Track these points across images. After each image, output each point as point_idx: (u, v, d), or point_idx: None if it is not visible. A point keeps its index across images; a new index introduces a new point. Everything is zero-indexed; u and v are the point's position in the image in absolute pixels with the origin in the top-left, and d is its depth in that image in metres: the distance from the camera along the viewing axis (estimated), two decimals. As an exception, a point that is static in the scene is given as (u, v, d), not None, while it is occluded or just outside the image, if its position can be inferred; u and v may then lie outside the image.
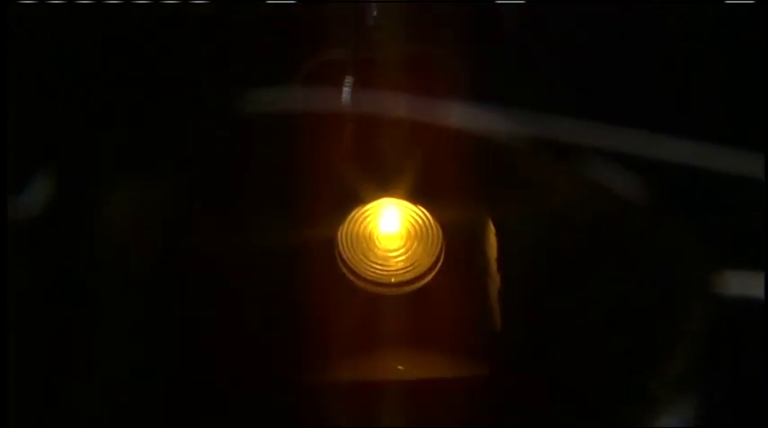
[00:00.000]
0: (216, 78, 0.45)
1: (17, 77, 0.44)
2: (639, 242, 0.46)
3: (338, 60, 0.45)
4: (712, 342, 0.44)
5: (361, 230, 0.50)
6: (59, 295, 0.45)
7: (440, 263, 0.49)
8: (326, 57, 0.45)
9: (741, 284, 0.43)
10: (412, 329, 0.48)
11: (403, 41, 0.46)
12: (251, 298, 0.47)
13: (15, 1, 0.45)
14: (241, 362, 0.46)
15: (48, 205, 0.44)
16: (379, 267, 0.50)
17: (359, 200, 0.49)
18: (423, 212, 0.50)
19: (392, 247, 0.50)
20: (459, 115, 0.45)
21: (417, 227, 0.50)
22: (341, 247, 0.49)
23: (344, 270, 0.49)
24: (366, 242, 0.50)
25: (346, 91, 0.46)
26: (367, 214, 0.50)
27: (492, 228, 0.48)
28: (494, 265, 0.48)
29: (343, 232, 0.49)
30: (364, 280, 0.49)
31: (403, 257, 0.50)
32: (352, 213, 0.49)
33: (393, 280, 0.49)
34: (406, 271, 0.50)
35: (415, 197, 0.49)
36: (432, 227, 0.50)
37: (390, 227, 0.50)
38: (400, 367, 0.48)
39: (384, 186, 0.48)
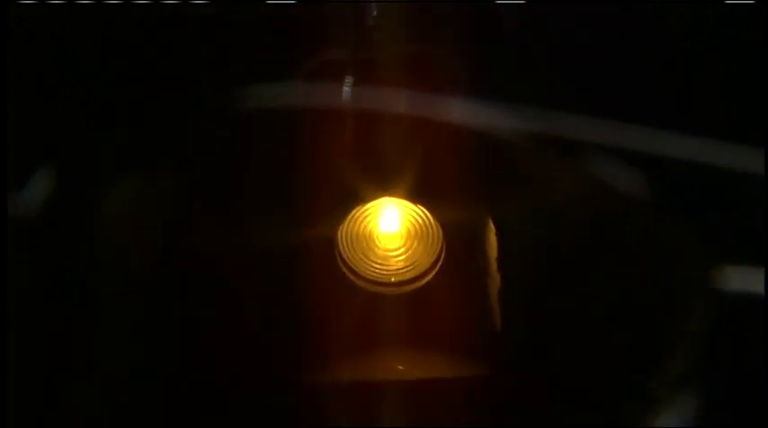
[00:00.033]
0: (216, 78, 0.45)
1: (17, 77, 0.44)
2: (641, 238, 0.45)
3: (338, 60, 0.45)
4: (713, 338, 0.44)
5: (362, 230, 0.50)
6: (59, 295, 0.45)
7: (440, 263, 0.49)
8: (326, 57, 0.45)
9: (741, 280, 0.43)
10: (412, 329, 0.48)
11: (403, 41, 0.46)
12: (251, 298, 0.47)
13: (15, 1, 0.45)
14: (241, 362, 0.46)
15: (47, 204, 0.44)
16: (379, 266, 0.50)
17: (359, 199, 0.49)
18: (423, 212, 0.50)
19: (392, 247, 0.50)
20: (459, 111, 0.45)
21: (417, 226, 0.50)
22: (341, 247, 0.49)
23: (344, 269, 0.49)
24: (366, 241, 0.50)
25: (347, 90, 0.46)
26: (367, 213, 0.50)
27: (492, 228, 0.48)
28: (494, 265, 0.48)
29: (344, 231, 0.49)
30: (364, 279, 0.49)
31: (403, 257, 0.50)
32: (353, 212, 0.49)
33: (393, 279, 0.50)
34: (407, 271, 0.50)
35: (416, 196, 0.49)
36: (432, 227, 0.50)
37: (390, 227, 0.50)
38: (400, 367, 0.48)
39: (384, 185, 0.48)
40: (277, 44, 0.45)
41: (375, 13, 0.45)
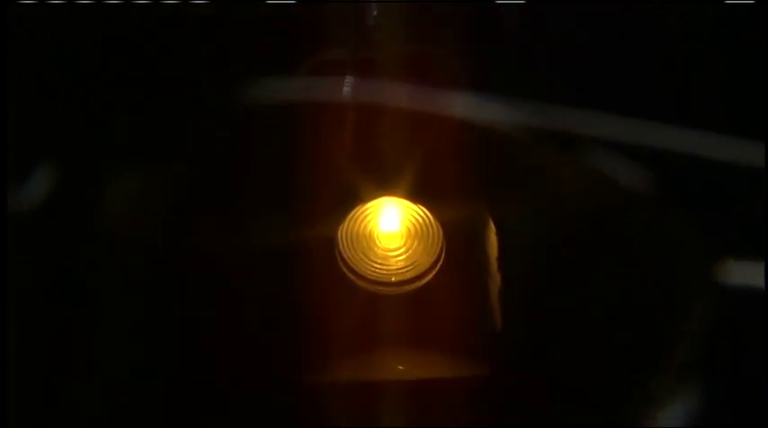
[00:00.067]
0: (216, 78, 0.45)
1: (17, 77, 0.44)
2: (641, 232, 0.45)
3: (338, 60, 0.45)
4: (713, 333, 0.44)
5: (362, 229, 0.50)
6: (59, 295, 0.45)
7: (440, 262, 0.49)
8: (326, 57, 0.45)
9: (742, 274, 0.43)
10: (412, 329, 0.48)
11: (403, 41, 0.46)
12: (251, 298, 0.47)
13: (15, 1, 0.45)
14: (241, 362, 0.46)
15: (46, 203, 0.44)
16: (379, 266, 0.50)
17: (359, 198, 0.49)
18: (423, 211, 0.50)
19: (392, 246, 0.50)
20: (458, 106, 0.45)
21: (417, 225, 0.50)
22: (341, 246, 0.49)
23: (345, 269, 0.49)
24: (366, 241, 0.50)
25: (347, 90, 0.45)
26: (367, 213, 0.50)
27: (492, 227, 0.48)
28: (494, 264, 0.48)
29: (344, 231, 0.49)
30: (364, 279, 0.49)
31: (403, 256, 0.50)
32: (352, 212, 0.49)
33: (393, 279, 0.50)
34: (407, 271, 0.50)
35: (416, 196, 0.49)
36: (432, 226, 0.50)
37: (390, 226, 0.50)
38: (400, 367, 0.48)
39: (384, 185, 0.48)
40: (277, 44, 0.45)
41: (375, 13, 0.45)
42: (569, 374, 0.46)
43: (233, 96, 0.45)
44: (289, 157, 0.46)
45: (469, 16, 0.45)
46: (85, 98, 0.45)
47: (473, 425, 0.47)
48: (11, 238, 0.42)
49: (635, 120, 0.44)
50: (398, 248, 0.50)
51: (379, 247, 0.50)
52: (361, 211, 0.50)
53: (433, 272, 0.49)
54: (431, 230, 0.50)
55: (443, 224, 0.49)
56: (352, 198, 0.48)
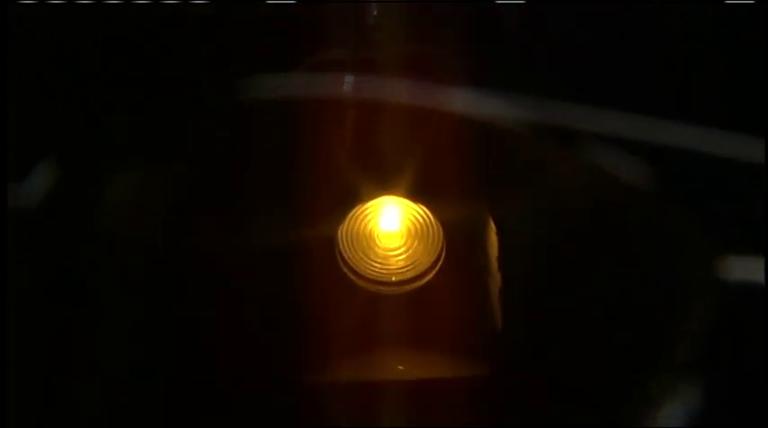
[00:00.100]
0: (216, 78, 0.45)
1: (17, 77, 0.44)
2: (642, 228, 0.45)
3: (338, 60, 0.45)
4: (713, 329, 0.44)
5: (362, 229, 0.50)
6: (59, 295, 0.45)
7: (440, 262, 0.49)
8: (326, 57, 0.45)
9: (742, 269, 0.43)
10: (412, 328, 0.48)
11: (403, 41, 0.45)
12: (251, 298, 0.47)
13: (15, 1, 0.45)
14: (241, 362, 0.46)
15: (46, 202, 0.44)
16: (379, 266, 0.50)
17: (359, 198, 0.49)
18: (423, 210, 0.50)
19: (392, 246, 0.50)
20: (458, 102, 0.45)
21: (418, 225, 0.50)
22: (341, 246, 0.49)
23: (345, 269, 0.49)
24: (366, 240, 0.50)
25: (346, 86, 0.45)
26: (367, 212, 0.50)
27: (493, 226, 0.48)
28: (494, 263, 0.48)
29: (344, 231, 0.49)
30: (365, 278, 0.49)
31: (403, 256, 0.50)
32: (353, 211, 0.49)
33: (393, 278, 0.50)
34: (407, 270, 0.50)
35: (416, 195, 0.49)
36: (432, 226, 0.50)
37: (391, 226, 0.50)
38: (400, 367, 0.48)
39: (384, 184, 0.48)
40: (277, 44, 0.45)
41: (375, 12, 0.45)
42: (569, 374, 0.46)
43: (232, 94, 0.45)
44: (288, 156, 0.46)
45: (469, 16, 0.45)
46: (85, 98, 0.45)
47: (473, 425, 0.47)
48: (11, 238, 0.42)
49: (635, 115, 0.44)
50: (399, 248, 0.50)
51: (379, 247, 0.50)
52: (361, 211, 0.50)
53: (434, 272, 0.49)
54: (431, 230, 0.50)
55: (444, 223, 0.49)
56: (353, 197, 0.48)
